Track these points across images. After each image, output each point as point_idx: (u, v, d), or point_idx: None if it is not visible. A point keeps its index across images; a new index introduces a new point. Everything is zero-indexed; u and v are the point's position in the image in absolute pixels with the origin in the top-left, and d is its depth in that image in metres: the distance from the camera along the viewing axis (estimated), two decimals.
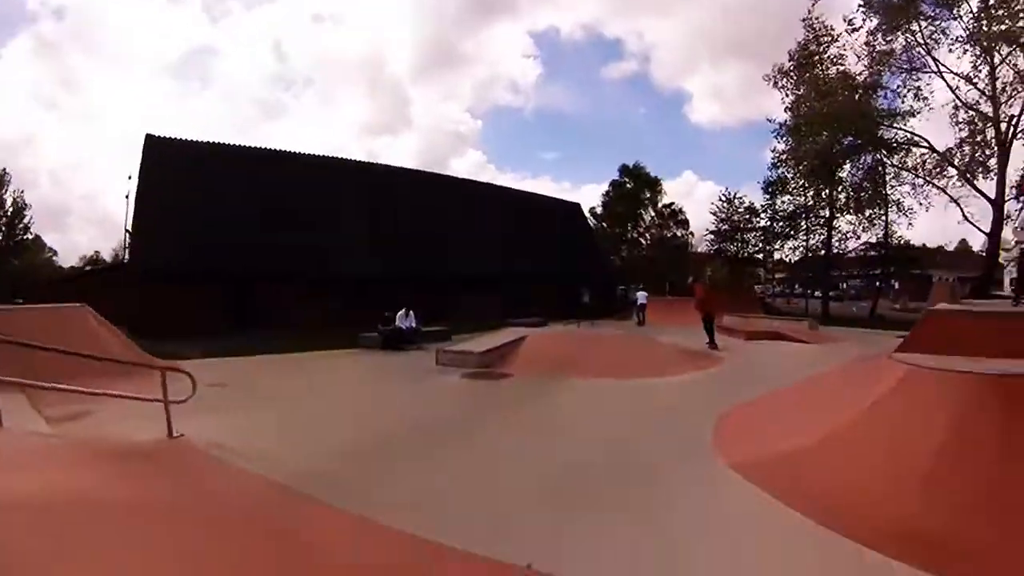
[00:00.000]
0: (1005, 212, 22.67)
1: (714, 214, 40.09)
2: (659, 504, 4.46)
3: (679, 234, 47.84)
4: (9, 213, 32.60)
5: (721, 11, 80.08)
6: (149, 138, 22.89)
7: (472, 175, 76.31)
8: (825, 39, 29.52)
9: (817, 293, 35.17)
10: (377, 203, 25.95)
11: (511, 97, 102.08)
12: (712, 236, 40.61)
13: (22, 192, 33.64)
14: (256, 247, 21.53)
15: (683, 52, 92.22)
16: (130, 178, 26.87)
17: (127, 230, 24.86)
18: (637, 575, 3.45)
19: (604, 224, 47.16)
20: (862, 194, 30.84)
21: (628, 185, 47.46)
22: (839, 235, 32.14)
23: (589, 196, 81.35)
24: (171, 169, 22.00)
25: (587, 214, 43.75)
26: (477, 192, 32.31)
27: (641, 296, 25.58)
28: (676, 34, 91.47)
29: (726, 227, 39.56)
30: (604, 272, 37.42)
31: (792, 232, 35.11)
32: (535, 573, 3.41)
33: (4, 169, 31.48)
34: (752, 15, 74.46)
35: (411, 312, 15.32)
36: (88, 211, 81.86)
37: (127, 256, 25.22)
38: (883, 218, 30.78)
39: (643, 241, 47.35)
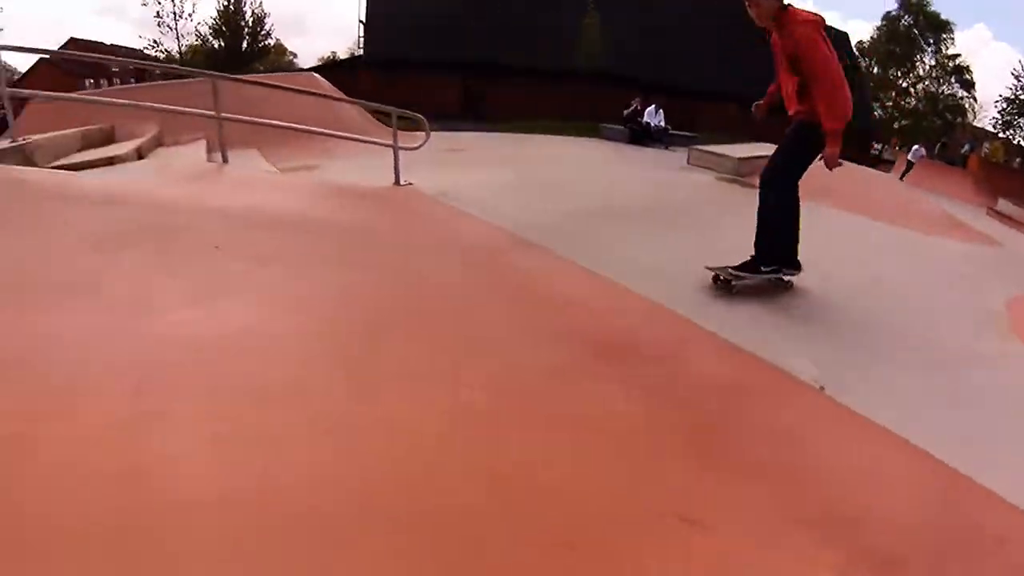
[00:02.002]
0: None
1: (1017, 78, 31.50)
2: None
3: (959, 95, 38.86)
4: (251, 23, 34.39)
5: None
6: None
7: None
8: None
9: None
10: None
11: None
12: (1004, 106, 32.52)
13: (260, 2, 34.81)
14: (494, 38, 21.03)
15: None
16: None
17: (360, 21, 25.45)
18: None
19: (869, 64, 39.01)
20: None
21: (906, 22, 38.09)
22: None
23: (859, 33, 65.90)
24: None
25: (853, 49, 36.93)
26: (731, 5, 27.95)
27: (916, 152, 21.47)
28: None
29: None
30: (863, 118, 32.53)
31: None
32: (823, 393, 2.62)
33: None
34: None
35: (660, 110, 14.81)
36: (325, 16, 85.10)
37: (361, 48, 25.96)
38: None
39: (912, 92, 39.75)
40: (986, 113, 35.30)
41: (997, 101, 33.62)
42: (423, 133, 6.00)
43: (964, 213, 11.58)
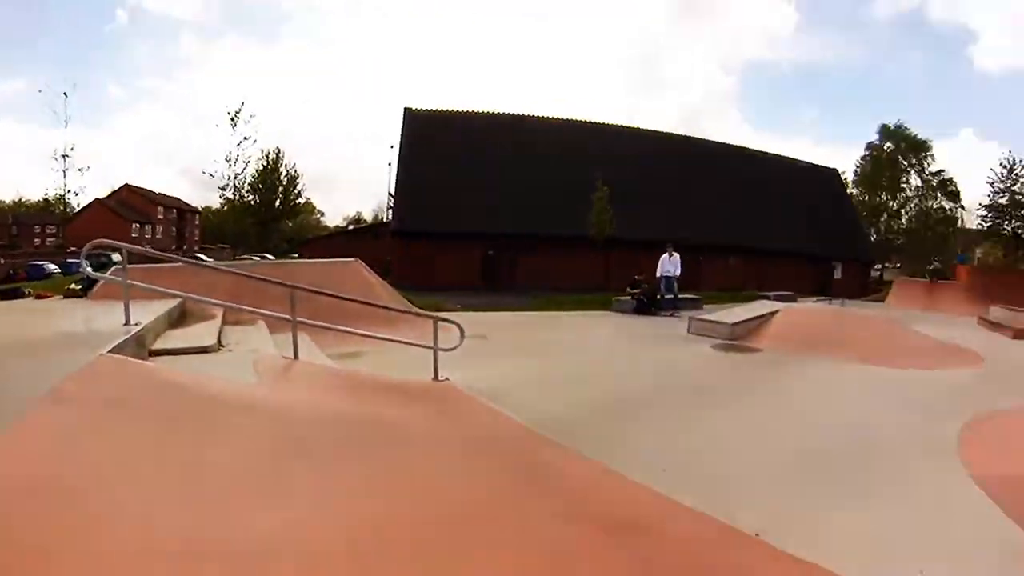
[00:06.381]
0: None
1: (991, 184, 32.16)
2: (885, 496, 4.11)
3: (947, 207, 41.21)
4: (284, 182, 36.71)
5: None
6: (408, 111, 26.90)
7: (727, 136, 75.88)
8: None
9: None
10: (626, 166, 25.61)
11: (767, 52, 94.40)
12: (985, 212, 33.22)
13: (295, 164, 37.82)
14: (511, 209, 23.65)
15: None
16: (392, 147, 31.13)
17: (390, 194, 29.21)
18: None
19: (859, 192, 42.14)
20: None
21: (888, 148, 42.17)
22: None
23: (851, 156, 73.21)
24: (429, 138, 25.35)
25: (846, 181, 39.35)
26: (726, 155, 30.66)
27: None
28: None
29: (1005, 201, 31.84)
30: (858, 247, 33.38)
31: None
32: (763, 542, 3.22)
33: (278, 148, 36.01)
34: None
35: (676, 254, 15.27)
36: (355, 175, 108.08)
37: (389, 216, 29.54)
38: None
39: (904, 213, 41.99)
40: (981, 213, 36.29)
41: (978, 208, 34.92)
42: (455, 326, 6.64)
43: (955, 327, 12.33)
